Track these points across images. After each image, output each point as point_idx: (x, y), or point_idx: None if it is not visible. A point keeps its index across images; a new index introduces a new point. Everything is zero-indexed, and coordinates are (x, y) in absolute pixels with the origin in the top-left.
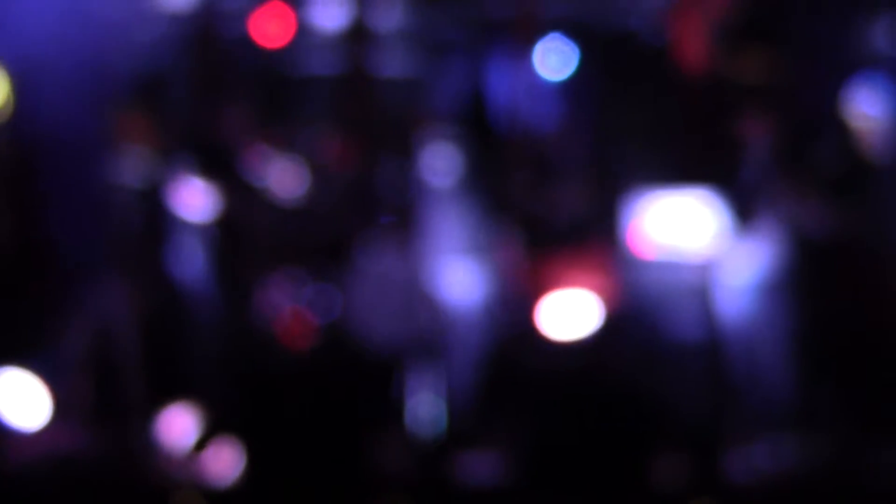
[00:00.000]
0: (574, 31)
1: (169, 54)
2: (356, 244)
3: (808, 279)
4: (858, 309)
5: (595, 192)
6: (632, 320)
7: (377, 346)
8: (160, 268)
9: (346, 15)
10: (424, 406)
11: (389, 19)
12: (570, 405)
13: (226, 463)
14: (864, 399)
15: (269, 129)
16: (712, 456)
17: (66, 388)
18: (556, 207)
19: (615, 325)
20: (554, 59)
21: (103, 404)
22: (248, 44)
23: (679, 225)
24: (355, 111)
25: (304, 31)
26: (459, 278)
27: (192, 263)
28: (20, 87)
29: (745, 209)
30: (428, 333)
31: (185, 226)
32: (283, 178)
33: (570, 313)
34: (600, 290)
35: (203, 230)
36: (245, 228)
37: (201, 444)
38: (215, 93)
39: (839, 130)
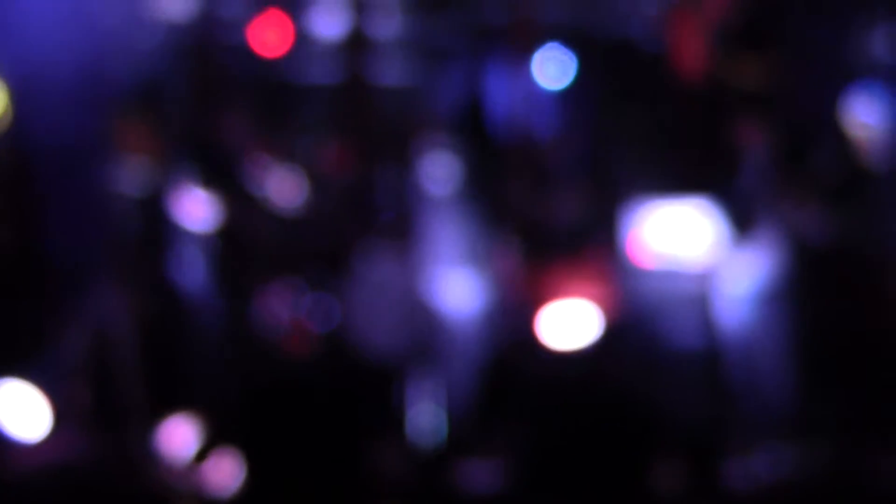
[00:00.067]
0: (572, 38)
1: (167, 62)
2: (355, 252)
3: (806, 287)
4: (857, 316)
5: (594, 201)
6: (631, 329)
7: (377, 354)
8: (159, 276)
9: (344, 23)
10: (424, 414)
11: (388, 27)
12: (570, 413)
13: (226, 472)
14: (864, 406)
15: (267, 138)
16: (711, 464)
17: (66, 397)
18: (554, 216)
19: (614, 334)
20: (552, 67)
21: (103, 413)
22: (246, 52)
23: (678, 234)
24: (354, 119)
25: (302, 40)
26: (458, 287)
27: (191, 271)
28: (19, 95)
29: (743, 217)
30: (427, 342)
31: (185, 234)
32: (281, 186)
33: (569, 322)
34: (599, 299)
35: (202, 238)
36: (244, 237)
37: (202, 454)
38: (214, 101)
39: (837, 138)
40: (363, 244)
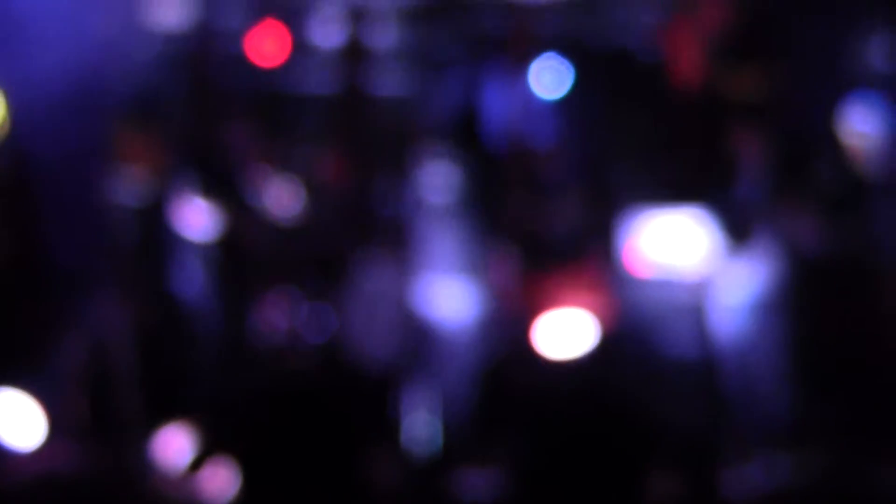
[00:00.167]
0: (569, 48)
1: (165, 73)
2: (351, 262)
3: (803, 297)
4: (854, 326)
5: (590, 210)
6: (627, 338)
7: (373, 363)
8: (158, 285)
9: (341, 33)
10: (420, 424)
11: (385, 37)
12: (565, 423)
13: (221, 482)
14: (861, 416)
15: (265, 148)
16: (708, 473)
17: (61, 407)
18: (551, 225)
19: (610, 344)
20: (549, 77)
21: (98, 423)
22: (243, 63)
23: (674, 243)
24: (351, 129)
25: (300, 50)
26: (454, 296)
27: (190, 281)
28: (18, 104)
29: (739, 226)
30: (423, 351)
31: (184, 243)
32: (279, 196)
33: (565, 331)
34: (595, 309)
35: (201, 248)
36: (243, 246)
37: (197, 463)
38: (212, 111)
39: (834, 147)
40: (360, 254)
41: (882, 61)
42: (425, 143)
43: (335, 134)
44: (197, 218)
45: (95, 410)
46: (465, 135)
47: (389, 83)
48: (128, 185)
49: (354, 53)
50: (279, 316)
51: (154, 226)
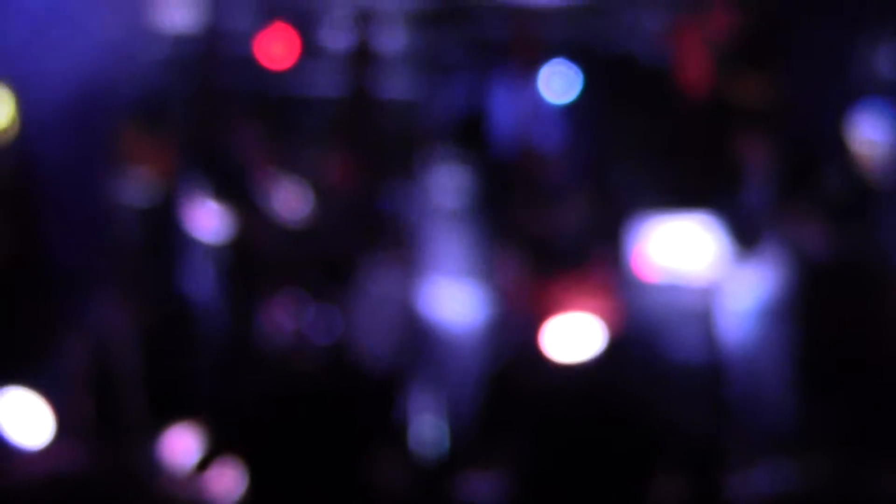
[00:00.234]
0: (576, 53)
1: (173, 74)
2: (358, 264)
3: (809, 303)
4: (860, 333)
5: (597, 214)
6: (634, 343)
7: (379, 366)
8: (163, 286)
9: (350, 37)
10: (426, 426)
11: (393, 41)
12: (571, 426)
13: (228, 483)
14: (866, 422)
15: (272, 150)
16: (713, 479)
17: (67, 407)
18: (558, 229)
19: (617, 348)
20: (557, 82)
21: (105, 423)
22: (252, 65)
23: (681, 248)
24: (358, 132)
25: (308, 53)
26: (461, 299)
27: (195, 282)
28: (25, 106)
29: (746, 233)
30: (429, 354)
31: (189, 244)
32: (286, 198)
33: (572, 335)
34: (602, 313)
35: (207, 249)
36: (251, 248)
37: (203, 464)
38: (220, 114)
39: (841, 154)
40: (366, 256)
41: (890, 68)
42: (432, 147)
43: (342, 137)
44: (204, 219)
45: (101, 410)
46: (472, 139)
47: (397, 87)
48: (134, 186)
49: (362, 57)
50: (285, 317)
51: (161, 227)
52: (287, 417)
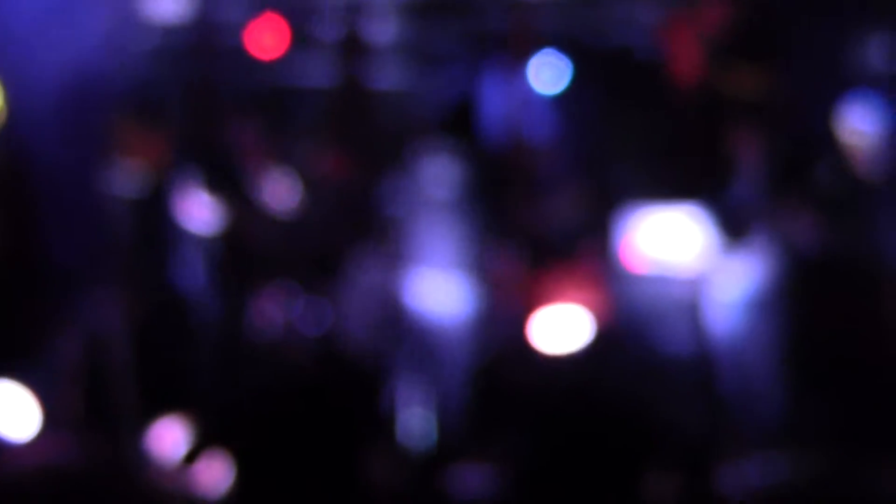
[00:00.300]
0: (568, 45)
1: (164, 66)
2: (348, 256)
3: (799, 295)
4: (850, 325)
5: (587, 206)
6: (623, 335)
7: (368, 358)
8: (155, 279)
9: (340, 27)
10: (415, 419)
11: (384, 32)
12: (561, 418)
13: (216, 475)
14: (857, 415)
15: (263, 141)
16: (704, 472)
17: (57, 399)
18: (547, 221)
19: (606, 339)
20: (548, 73)
21: (94, 415)
22: (242, 56)
23: (670, 240)
24: (350, 123)
25: (299, 43)
26: (450, 291)
27: (187, 274)
28: (15, 97)
29: (736, 225)
30: (418, 346)
31: (181, 236)
32: (277, 190)
33: (560, 327)
34: (591, 304)
35: (199, 241)
36: (241, 240)
37: (192, 457)
38: (211, 105)
39: (833, 147)
40: (356, 248)
41: (882, 61)
42: (423, 138)
43: (333, 128)
44: (196, 211)
45: (90, 403)
46: (463, 130)
47: (388, 77)
48: (126, 178)
49: (353, 47)
50: (276, 309)
51: (153, 219)
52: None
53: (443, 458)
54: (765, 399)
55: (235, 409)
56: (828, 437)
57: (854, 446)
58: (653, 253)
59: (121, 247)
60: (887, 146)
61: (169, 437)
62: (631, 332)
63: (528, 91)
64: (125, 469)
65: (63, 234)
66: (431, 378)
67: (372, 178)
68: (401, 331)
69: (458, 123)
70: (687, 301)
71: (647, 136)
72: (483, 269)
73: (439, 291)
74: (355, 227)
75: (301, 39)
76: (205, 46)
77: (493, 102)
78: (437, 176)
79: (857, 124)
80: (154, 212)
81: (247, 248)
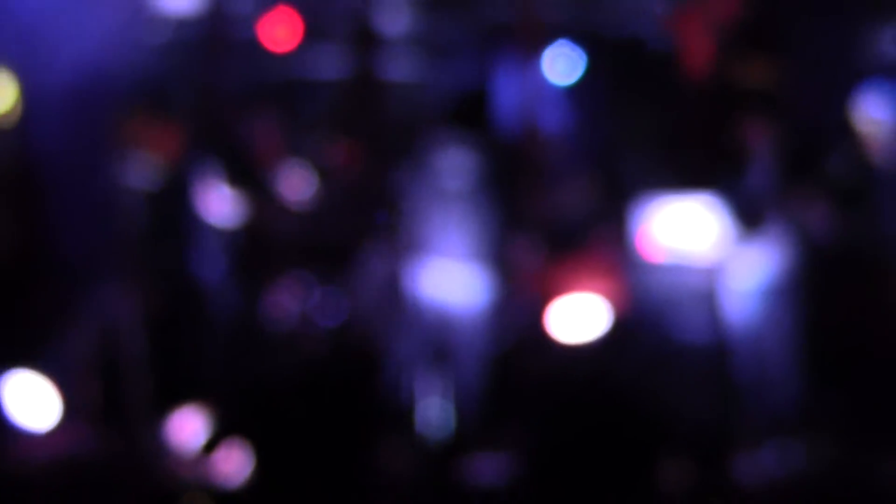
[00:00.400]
0: (580, 35)
1: (177, 59)
2: (363, 248)
3: (814, 284)
4: (864, 313)
5: (602, 196)
6: (639, 323)
7: (384, 348)
8: (171, 270)
9: (353, 19)
10: (432, 408)
11: (397, 24)
12: (577, 407)
13: (234, 465)
14: (871, 402)
15: (277, 133)
16: (719, 459)
17: (75, 390)
18: (563, 211)
19: (622, 329)
20: (560, 64)
21: (112, 406)
22: (255, 48)
23: (686, 229)
24: (362, 115)
25: (311, 36)
26: (466, 281)
27: (200, 266)
28: (28, 91)
29: (751, 214)
30: (435, 336)
31: (195, 228)
32: (291, 181)
33: (577, 316)
34: (608, 294)
35: (213, 232)
36: (255, 232)
37: (210, 446)
38: (224, 97)
39: (846, 136)
40: (370, 239)
41: (894, 49)
42: (436, 129)
43: (346, 119)
44: (210, 202)
45: (108, 393)
46: (476, 121)
47: (400, 69)
48: (140, 171)
49: (366, 39)
50: (291, 300)
51: (167, 211)
52: (292, 399)
53: (459, 448)
54: (780, 388)
55: (252, 399)
56: (842, 425)
57: (868, 435)
58: (668, 242)
59: (136, 239)
60: None
61: (187, 428)
62: (647, 321)
63: (541, 81)
64: (142, 459)
65: (78, 227)
66: (447, 368)
67: (385, 169)
68: (416, 321)
69: (471, 114)
70: (702, 290)
71: (660, 126)
72: (498, 259)
73: (454, 282)
74: (369, 218)
75: (314, 32)
76: (217, 40)
77: (506, 93)
78: (451, 167)
79: (871, 113)
80: (169, 204)
81: (262, 239)
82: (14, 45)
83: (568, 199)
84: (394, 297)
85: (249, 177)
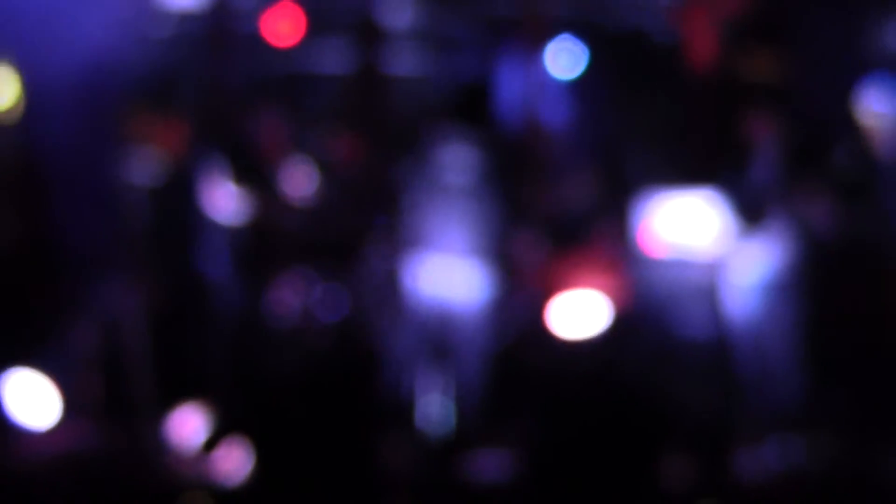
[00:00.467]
0: (584, 30)
1: (181, 54)
2: (365, 243)
3: (816, 279)
4: (867, 308)
5: (604, 191)
6: (641, 319)
7: (386, 344)
8: (174, 266)
9: (356, 14)
10: (433, 405)
11: (401, 18)
12: (579, 403)
13: (235, 462)
14: (873, 398)
15: (281, 128)
16: (721, 455)
17: (77, 387)
18: (565, 206)
19: (624, 324)
20: (564, 58)
21: (114, 403)
22: (259, 43)
23: (688, 224)
24: (366, 109)
25: (314, 30)
26: (468, 277)
27: (206, 261)
28: (31, 86)
29: (754, 208)
30: (436, 332)
31: (199, 223)
32: (294, 177)
33: (579, 312)
34: (610, 290)
35: (218, 228)
36: (258, 227)
37: (211, 444)
38: (229, 92)
39: (850, 130)
40: (373, 234)
41: None
42: (439, 124)
43: (350, 114)
44: (214, 198)
45: (110, 390)
46: (479, 115)
47: (404, 63)
48: (143, 166)
49: (369, 34)
50: (294, 296)
51: (171, 206)
52: (294, 396)
53: (461, 444)
54: (781, 383)
55: (254, 395)
56: (843, 421)
57: (870, 430)
58: (670, 237)
59: (139, 235)
60: None
61: (189, 424)
62: (648, 316)
63: (544, 76)
64: (144, 456)
65: (82, 223)
66: (449, 364)
67: (388, 163)
68: (418, 317)
69: (474, 109)
70: (704, 285)
71: (664, 120)
72: (500, 255)
73: (456, 277)
74: (372, 214)
75: (317, 26)
76: (221, 35)
77: (509, 87)
78: (454, 161)
79: (875, 107)
80: (173, 199)
81: (265, 235)
82: (18, 40)
83: (570, 194)
84: (396, 293)
85: (253, 172)
